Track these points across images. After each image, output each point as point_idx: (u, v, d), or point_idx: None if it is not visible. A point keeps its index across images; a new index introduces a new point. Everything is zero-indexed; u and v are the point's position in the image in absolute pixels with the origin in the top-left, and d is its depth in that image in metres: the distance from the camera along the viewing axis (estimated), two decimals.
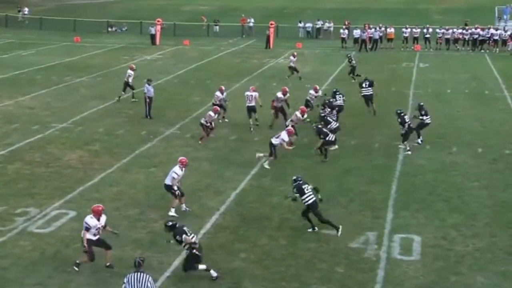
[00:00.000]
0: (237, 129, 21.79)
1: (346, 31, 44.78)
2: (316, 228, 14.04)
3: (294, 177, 14.28)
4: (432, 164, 18.82)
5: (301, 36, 49.64)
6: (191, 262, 11.90)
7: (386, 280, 12.04)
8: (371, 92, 24.29)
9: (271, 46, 43.86)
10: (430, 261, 12.77)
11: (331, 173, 17.97)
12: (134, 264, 10.34)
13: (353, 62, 31.68)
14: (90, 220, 12.05)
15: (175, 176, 14.96)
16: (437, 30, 43.28)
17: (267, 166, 18.40)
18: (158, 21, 46.65)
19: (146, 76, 26.19)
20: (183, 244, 11.86)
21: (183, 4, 64.71)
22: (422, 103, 21.06)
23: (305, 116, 20.79)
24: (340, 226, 13.93)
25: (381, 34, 43.18)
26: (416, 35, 43.38)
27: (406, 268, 12.50)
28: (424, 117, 20.51)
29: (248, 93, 22.74)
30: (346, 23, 46.54)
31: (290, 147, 18.60)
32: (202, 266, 11.90)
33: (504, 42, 41.81)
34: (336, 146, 19.61)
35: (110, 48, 43.53)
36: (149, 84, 24.00)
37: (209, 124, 20.70)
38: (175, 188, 14.95)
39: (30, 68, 34.48)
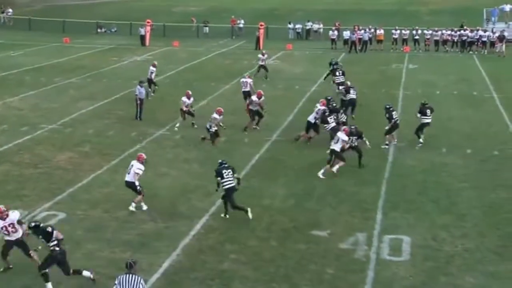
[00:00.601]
0: (227, 131, 21.74)
1: (336, 32, 44.89)
2: (228, 215, 14.70)
3: (220, 161, 15.07)
4: (422, 165, 18.88)
5: (291, 37, 49.67)
6: (49, 263, 11.54)
7: (376, 281, 12.06)
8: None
9: (261, 47, 43.85)
10: (419, 262, 12.80)
11: None
12: (126, 265, 10.26)
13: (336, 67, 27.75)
14: None
15: (140, 172, 15.15)
16: (425, 32, 43.48)
17: (335, 170, 17.69)
18: (148, 22, 46.54)
19: (136, 77, 26.09)
20: (52, 243, 11.39)
21: (173, 6, 64.56)
22: (425, 102, 21.10)
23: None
24: (249, 208, 14.52)
25: (370, 36, 43.32)
26: (405, 37, 43.56)
27: (395, 269, 12.53)
28: (422, 117, 20.60)
29: (243, 79, 25.33)
30: (337, 24, 46.67)
31: (346, 146, 18.09)
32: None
33: (492, 44, 42.00)
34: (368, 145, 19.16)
35: (100, 49, 43.37)
36: (140, 86, 23.87)
37: (213, 130, 20.37)
38: (137, 183, 15.15)
39: (19, 69, 34.28)
